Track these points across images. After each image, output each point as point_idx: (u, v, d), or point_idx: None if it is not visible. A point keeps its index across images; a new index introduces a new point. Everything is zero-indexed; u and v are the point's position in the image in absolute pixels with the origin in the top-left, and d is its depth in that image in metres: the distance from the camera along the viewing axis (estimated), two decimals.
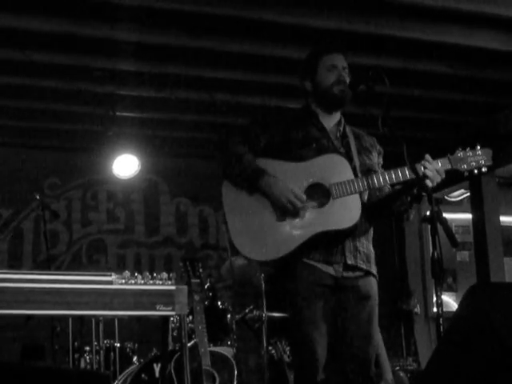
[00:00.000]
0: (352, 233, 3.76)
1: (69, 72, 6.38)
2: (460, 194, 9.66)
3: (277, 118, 4.06)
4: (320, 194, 3.74)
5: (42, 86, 6.69)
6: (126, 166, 7.85)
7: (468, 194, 8.95)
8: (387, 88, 3.62)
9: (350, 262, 3.77)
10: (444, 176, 3.71)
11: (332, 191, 3.70)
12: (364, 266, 3.82)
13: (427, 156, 3.73)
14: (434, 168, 3.67)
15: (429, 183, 3.65)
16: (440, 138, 8.18)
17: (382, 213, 3.98)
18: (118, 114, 7.20)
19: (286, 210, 3.69)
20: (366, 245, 3.89)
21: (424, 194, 3.74)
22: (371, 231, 3.98)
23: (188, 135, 8.30)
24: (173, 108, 7.35)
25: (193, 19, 5.54)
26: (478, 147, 3.83)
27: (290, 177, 3.75)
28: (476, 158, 3.81)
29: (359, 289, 3.81)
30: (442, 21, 5.74)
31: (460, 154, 3.81)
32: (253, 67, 6.45)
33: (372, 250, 3.93)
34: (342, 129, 3.99)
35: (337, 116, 4.02)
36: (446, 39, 5.91)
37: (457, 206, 9.73)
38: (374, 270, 3.89)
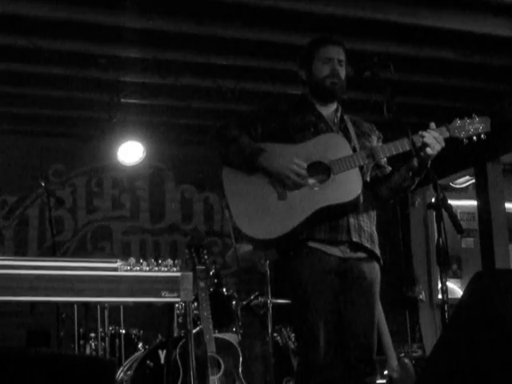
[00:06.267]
0: (355, 207, 3.77)
1: (73, 59, 6.38)
2: (465, 181, 9.65)
3: (275, 106, 4.08)
4: (320, 171, 3.75)
5: (47, 72, 6.68)
6: (130, 152, 7.85)
7: (473, 180, 8.94)
8: (392, 74, 3.62)
9: (355, 239, 3.77)
10: (443, 144, 3.74)
11: (332, 167, 3.71)
12: (368, 245, 3.83)
13: (432, 124, 3.79)
14: (432, 136, 3.71)
15: (429, 151, 3.68)
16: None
17: (385, 191, 3.96)
18: (122, 100, 7.20)
19: (289, 182, 3.69)
20: (370, 225, 3.89)
21: (426, 165, 3.76)
22: (374, 215, 3.97)
23: (193, 122, 8.30)
24: (178, 95, 7.35)
25: (197, 5, 5.53)
26: (475, 115, 3.87)
27: (288, 156, 3.75)
28: (474, 126, 3.84)
29: (365, 275, 3.81)
30: (447, 7, 5.73)
31: (458, 122, 3.86)
32: (258, 54, 6.44)
33: (375, 232, 3.93)
34: (339, 115, 4.02)
35: (333, 105, 4.04)
36: (451, 25, 5.90)
37: (462, 193, 9.73)
38: (377, 250, 3.89)
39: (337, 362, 3.84)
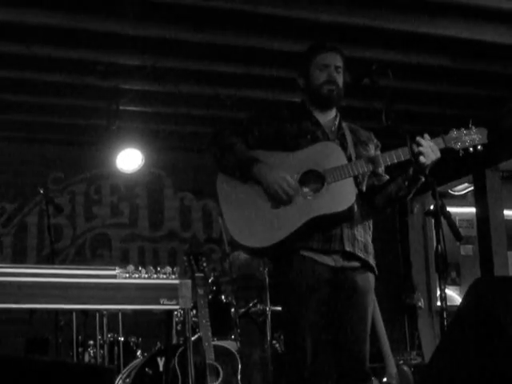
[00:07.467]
0: (349, 217, 3.74)
1: (72, 66, 6.38)
2: (464, 188, 9.65)
3: (272, 112, 4.07)
4: (314, 180, 3.74)
5: (46, 80, 6.69)
6: (129, 160, 7.84)
7: (472, 187, 8.94)
8: (391, 82, 3.62)
9: (348, 248, 3.74)
10: (439, 155, 3.69)
11: (326, 176, 3.70)
12: (362, 255, 3.79)
13: (425, 135, 3.73)
14: (427, 145, 3.67)
15: (423, 159, 3.64)
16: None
17: (381, 200, 3.94)
18: (121, 108, 7.20)
19: (278, 198, 3.69)
20: (364, 235, 3.86)
21: (420, 176, 3.74)
22: (370, 224, 3.96)
23: (192, 129, 8.30)
24: (176, 102, 7.35)
25: (196, 13, 5.54)
26: (473, 126, 3.82)
27: (283, 166, 3.75)
28: (471, 137, 3.79)
29: (357, 284, 3.79)
30: (446, 14, 5.74)
31: (454, 133, 3.81)
32: (257, 61, 6.45)
33: (370, 242, 3.90)
34: (337, 123, 4.00)
35: (332, 112, 4.03)
36: (449, 33, 5.91)
37: (461, 200, 9.72)
38: (371, 261, 3.86)
39: (328, 371, 3.84)
